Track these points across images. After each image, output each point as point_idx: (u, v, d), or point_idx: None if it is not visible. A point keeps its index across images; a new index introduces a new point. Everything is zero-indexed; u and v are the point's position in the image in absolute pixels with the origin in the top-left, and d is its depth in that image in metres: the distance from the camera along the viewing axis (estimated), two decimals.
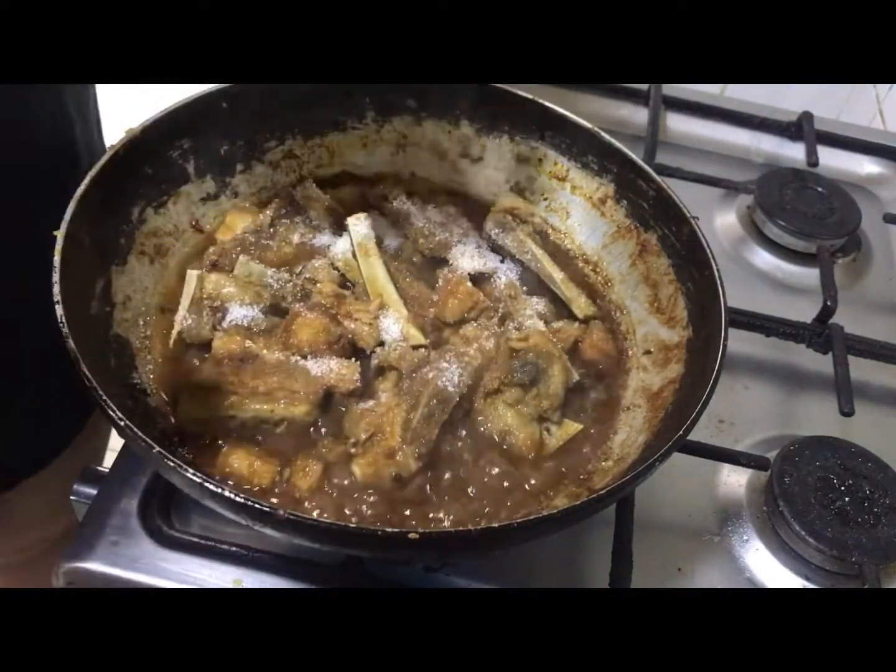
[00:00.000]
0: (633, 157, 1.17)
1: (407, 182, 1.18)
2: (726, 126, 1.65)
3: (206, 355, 0.97)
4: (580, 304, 1.13)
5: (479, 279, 1.12)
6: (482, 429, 0.97)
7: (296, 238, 1.12)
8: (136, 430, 0.79)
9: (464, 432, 0.97)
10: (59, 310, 0.85)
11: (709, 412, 0.91)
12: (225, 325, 1.00)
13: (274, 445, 0.93)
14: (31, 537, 1.36)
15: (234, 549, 0.94)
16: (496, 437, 0.97)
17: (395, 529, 0.76)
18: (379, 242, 1.12)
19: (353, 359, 0.98)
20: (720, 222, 1.51)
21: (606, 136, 1.19)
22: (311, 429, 0.94)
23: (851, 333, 1.25)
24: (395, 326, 1.02)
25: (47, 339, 0.85)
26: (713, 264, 1.04)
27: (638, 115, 1.64)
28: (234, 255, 1.07)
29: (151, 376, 0.98)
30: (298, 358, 0.96)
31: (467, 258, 1.13)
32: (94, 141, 1.26)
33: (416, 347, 1.01)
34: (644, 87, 1.65)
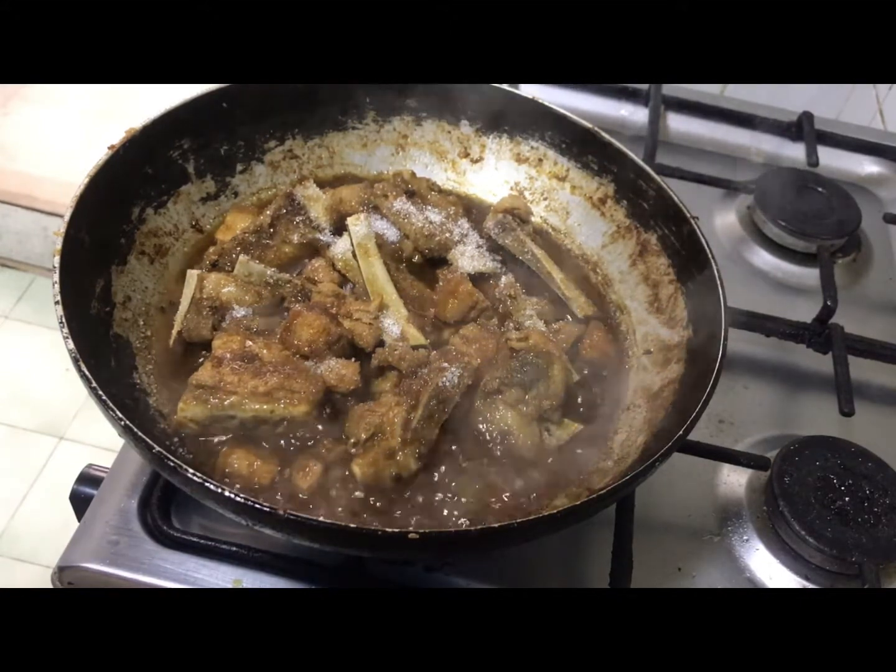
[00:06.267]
0: (633, 157, 1.17)
1: (407, 182, 1.18)
2: (726, 126, 1.65)
3: (206, 355, 0.97)
4: (580, 304, 1.13)
5: (479, 279, 1.12)
6: (482, 429, 0.97)
7: (296, 238, 1.12)
8: (136, 429, 0.79)
9: (464, 432, 0.97)
10: (58, 310, 0.85)
11: (709, 412, 0.91)
12: (225, 324, 1.00)
13: (274, 445, 0.93)
14: None
15: (234, 549, 0.94)
16: (496, 438, 0.97)
17: (395, 529, 0.76)
18: (379, 242, 1.12)
19: (353, 359, 0.98)
20: (720, 222, 1.51)
21: (606, 136, 1.19)
22: (311, 429, 0.94)
23: (851, 333, 1.25)
24: (395, 326, 1.02)
25: None
26: (713, 264, 1.04)
27: (638, 115, 1.64)
28: (234, 255, 1.07)
29: (151, 376, 0.98)
30: (298, 358, 0.96)
31: (467, 258, 1.13)
32: None
33: (416, 347, 1.01)
34: (644, 87, 1.65)
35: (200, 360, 0.99)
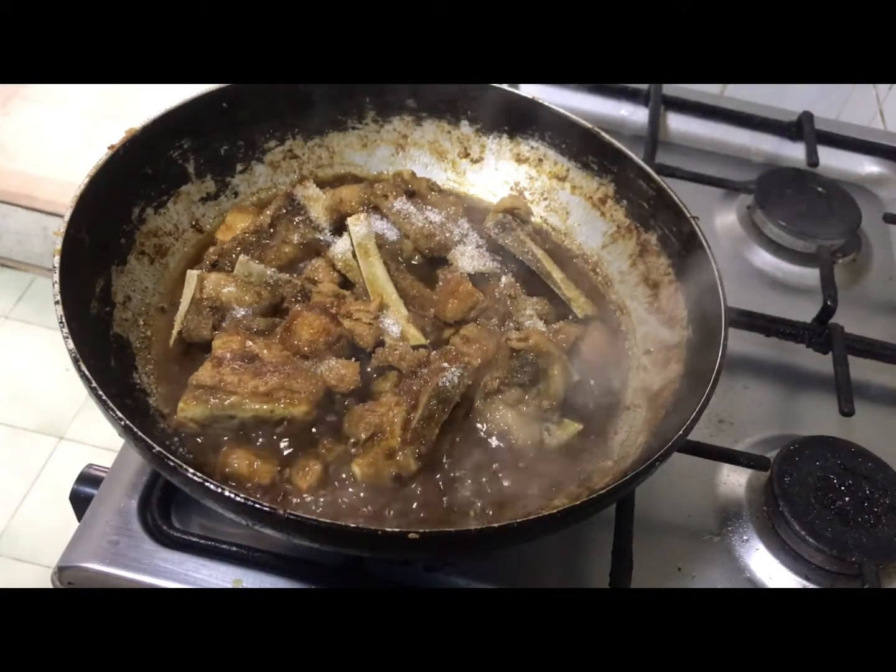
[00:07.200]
0: (633, 157, 1.17)
1: (407, 182, 1.18)
2: (726, 126, 1.65)
3: (206, 355, 0.97)
4: (580, 304, 1.13)
5: (479, 279, 1.12)
6: (482, 429, 0.97)
7: (296, 238, 1.12)
8: (136, 429, 0.79)
9: (464, 432, 0.96)
10: (58, 310, 0.85)
11: (709, 412, 0.91)
12: (225, 324, 1.00)
13: (274, 445, 0.93)
14: None
15: (234, 549, 0.94)
16: (496, 437, 0.97)
17: (395, 529, 0.76)
18: (379, 242, 1.12)
19: (353, 359, 0.98)
20: (720, 222, 1.51)
21: (606, 136, 1.19)
22: (311, 429, 0.94)
23: (851, 333, 1.25)
24: (395, 326, 1.02)
25: None
26: (713, 264, 1.04)
27: (638, 115, 1.64)
28: (234, 255, 1.07)
29: (151, 376, 0.98)
30: (298, 358, 0.96)
31: (467, 258, 1.13)
32: None
33: (416, 347, 1.01)
34: (644, 87, 1.65)
35: (200, 360, 0.99)
